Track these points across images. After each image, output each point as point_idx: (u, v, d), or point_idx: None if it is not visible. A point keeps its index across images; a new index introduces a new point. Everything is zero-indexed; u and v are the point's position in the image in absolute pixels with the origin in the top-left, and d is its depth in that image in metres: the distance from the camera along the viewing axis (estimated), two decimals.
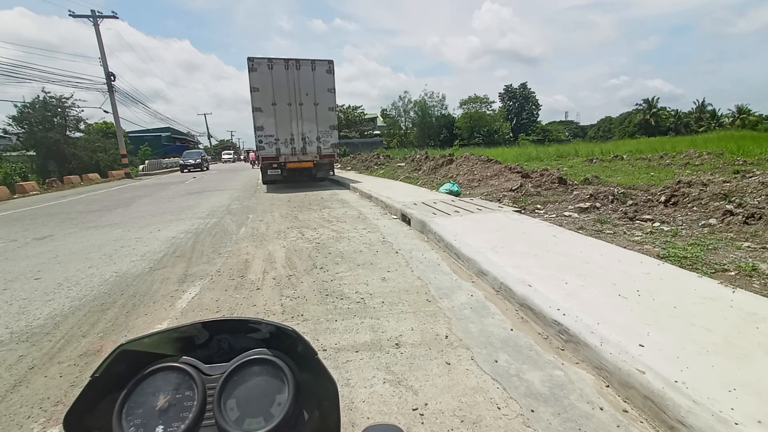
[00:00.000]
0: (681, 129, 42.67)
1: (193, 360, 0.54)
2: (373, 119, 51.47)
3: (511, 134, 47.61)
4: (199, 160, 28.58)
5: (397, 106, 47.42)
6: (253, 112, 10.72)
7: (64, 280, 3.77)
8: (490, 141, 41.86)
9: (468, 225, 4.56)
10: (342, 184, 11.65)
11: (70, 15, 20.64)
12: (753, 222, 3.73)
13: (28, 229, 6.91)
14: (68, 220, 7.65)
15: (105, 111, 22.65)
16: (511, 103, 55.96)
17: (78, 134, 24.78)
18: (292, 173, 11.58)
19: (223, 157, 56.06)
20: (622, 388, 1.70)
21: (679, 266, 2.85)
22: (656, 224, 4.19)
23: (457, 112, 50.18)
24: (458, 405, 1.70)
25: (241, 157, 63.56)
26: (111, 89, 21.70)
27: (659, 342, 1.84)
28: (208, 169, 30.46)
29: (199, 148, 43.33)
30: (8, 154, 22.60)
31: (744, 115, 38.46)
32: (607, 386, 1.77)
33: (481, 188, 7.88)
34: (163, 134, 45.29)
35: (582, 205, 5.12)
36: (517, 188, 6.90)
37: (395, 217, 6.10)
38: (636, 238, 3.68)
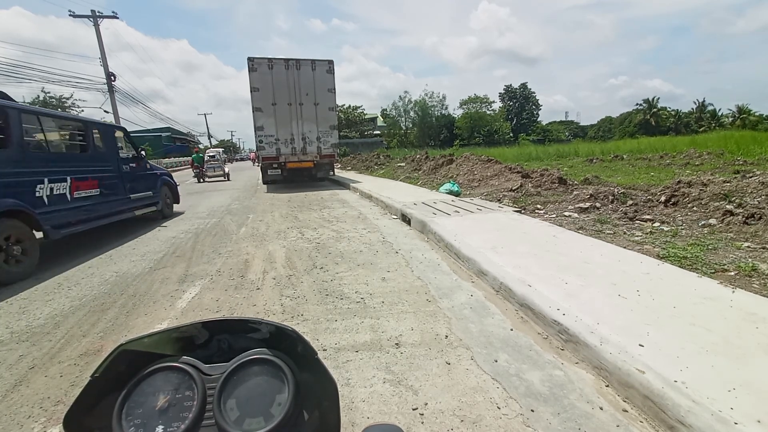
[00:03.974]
0: (681, 129, 42.65)
1: (193, 360, 0.54)
2: (373, 119, 51.45)
3: (511, 134, 47.58)
4: None
5: (397, 106, 47.48)
6: (253, 112, 10.73)
7: (64, 279, 3.77)
8: (490, 141, 41.83)
9: (468, 225, 4.56)
10: (342, 184, 11.65)
11: (70, 15, 20.64)
12: (753, 222, 3.73)
13: None
14: None
15: (105, 111, 22.62)
16: (511, 103, 55.95)
17: None
18: (292, 173, 11.59)
19: (206, 159, 34.85)
20: (621, 387, 1.70)
21: (679, 266, 2.85)
22: (656, 224, 4.19)
23: (457, 112, 50.25)
24: (458, 405, 1.70)
25: (237, 157, 61.75)
26: (111, 89, 21.70)
27: (659, 342, 1.84)
28: None
29: None
30: None
31: (744, 115, 38.43)
32: (607, 386, 1.77)
33: (481, 188, 7.88)
34: (163, 134, 45.22)
35: (582, 205, 5.12)
36: (517, 188, 6.90)
37: (395, 217, 6.10)
38: (636, 238, 3.68)
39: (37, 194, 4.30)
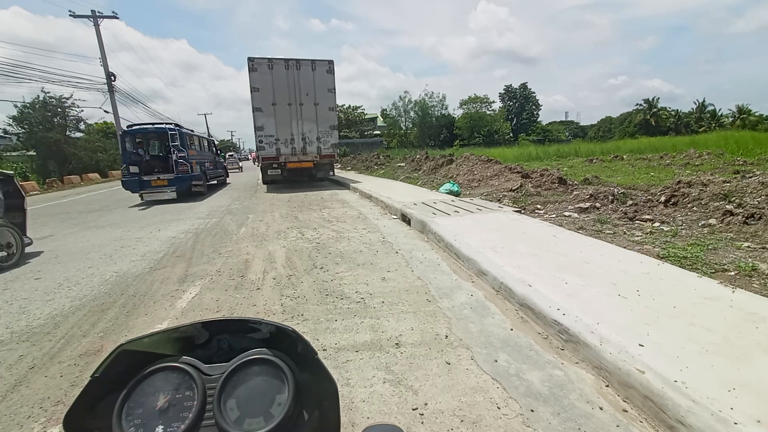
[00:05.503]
0: (681, 129, 42.56)
1: (193, 360, 0.54)
2: (373, 119, 51.43)
3: (511, 134, 47.57)
4: None
5: (397, 106, 47.36)
6: (253, 112, 10.73)
7: (65, 279, 3.77)
8: (490, 141, 41.82)
9: (468, 225, 4.56)
10: (342, 184, 11.65)
11: (70, 15, 20.62)
12: (753, 222, 3.73)
13: (28, 229, 6.90)
14: (68, 220, 7.65)
15: (105, 111, 22.59)
16: (511, 103, 55.92)
17: (78, 134, 24.77)
18: (292, 173, 11.58)
19: (226, 156, 28.98)
20: (621, 387, 1.70)
21: (679, 266, 2.85)
22: (656, 224, 4.19)
23: (457, 112, 50.18)
24: (458, 405, 1.70)
25: (235, 156, 60.71)
26: (111, 89, 21.68)
27: (659, 342, 1.84)
28: None
29: None
30: (8, 154, 22.61)
31: (744, 115, 38.33)
32: (607, 386, 1.77)
33: (481, 188, 7.88)
34: None
35: (582, 205, 5.12)
36: (517, 188, 6.90)
37: (395, 217, 6.10)
38: (636, 238, 3.68)
39: (204, 167, 11.66)
